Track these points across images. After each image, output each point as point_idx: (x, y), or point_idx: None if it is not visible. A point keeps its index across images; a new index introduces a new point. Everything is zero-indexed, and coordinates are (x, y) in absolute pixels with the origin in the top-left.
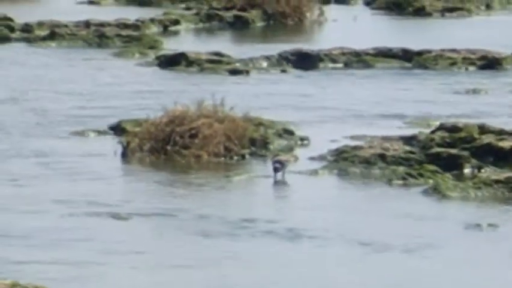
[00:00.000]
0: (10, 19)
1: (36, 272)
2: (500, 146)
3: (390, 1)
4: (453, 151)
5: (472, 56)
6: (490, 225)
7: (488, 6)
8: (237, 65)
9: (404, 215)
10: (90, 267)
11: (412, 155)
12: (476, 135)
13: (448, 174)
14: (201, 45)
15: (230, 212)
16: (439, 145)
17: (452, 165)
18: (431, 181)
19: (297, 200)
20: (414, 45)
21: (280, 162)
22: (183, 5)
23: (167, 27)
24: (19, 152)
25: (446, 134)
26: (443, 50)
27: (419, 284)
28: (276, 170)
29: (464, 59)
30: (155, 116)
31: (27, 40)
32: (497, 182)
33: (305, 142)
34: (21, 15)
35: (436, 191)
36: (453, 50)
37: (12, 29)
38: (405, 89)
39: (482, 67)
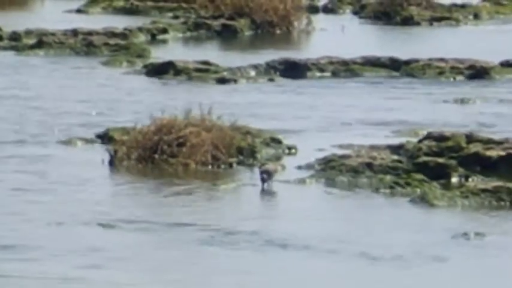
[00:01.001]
0: None
1: (16, 280)
2: (488, 155)
3: (378, 10)
4: (440, 160)
5: (460, 66)
6: (477, 234)
7: (476, 16)
8: (225, 73)
9: (391, 224)
10: (77, 276)
11: (399, 164)
12: (463, 145)
13: (435, 183)
14: (189, 54)
15: (217, 221)
16: (426, 154)
17: (439, 174)
18: (418, 190)
19: (284, 209)
20: (402, 55)
21: (267, 172)
22: (170, 14)
23: (155, 36)
24: (5, 160)
25: (433, 143)
26: (431, 59)
27: None
28: (263, 180)
29: (452, 68)
30: (143, 124)
31: (15, 48)
32: (484, 191)
33: (292, 151)
34: (9, 24)
35: (423, 200)
36: (441, 59)
37: (0, 38)
38: (393, 98)
39: (470, 76)
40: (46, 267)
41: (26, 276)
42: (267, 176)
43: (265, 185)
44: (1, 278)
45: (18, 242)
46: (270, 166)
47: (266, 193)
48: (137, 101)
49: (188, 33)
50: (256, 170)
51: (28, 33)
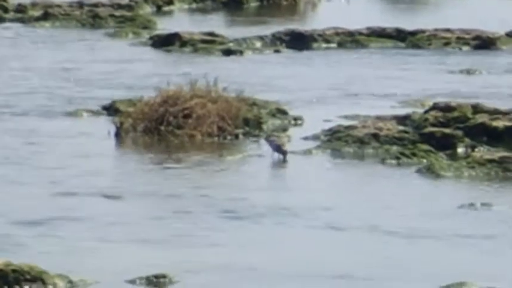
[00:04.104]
0: (4, 0)
1: (26, 251)
2: (494, 125)
3: None
4: (447, 131)
5: (466, 36)
6: (483, 204)
7: None
8: (231, 45)
9: (397, 194)
10: (82, 246)
11: (405, 135)
12: (469, 115)
13: (441, 154)
14: (194, 26)
15: (223, 192)
16: (432, 125)
17: (445, 144)
18: (424, 160)
19: (291, 180)
20: (408, 25)
21: (282, 146)
22: None
23: (161, 7)
24: (12, 131)
25: (439, 114)
26: (437, 30)
27: (412, 264)
28: (284, 153)
29: (458, 38)
30: (149, 96)
31: (21, 20)
32: (490, 161)
33: (298, 122)
34: None
35: (429, 171)
36: (447, 30)
37: (5, 10)
38: (399, 69)
39: (476, 47)
40: (52, 239)
41: (29, 241)
42: (285, 149)
43: (286, 156)
44: (7, 243)
45: (22, 210)
46: (279, 140)
47: (273, 164)
48: (143, 72)
49: (194, 5)
50: (265, 143)
51: (34, 5)
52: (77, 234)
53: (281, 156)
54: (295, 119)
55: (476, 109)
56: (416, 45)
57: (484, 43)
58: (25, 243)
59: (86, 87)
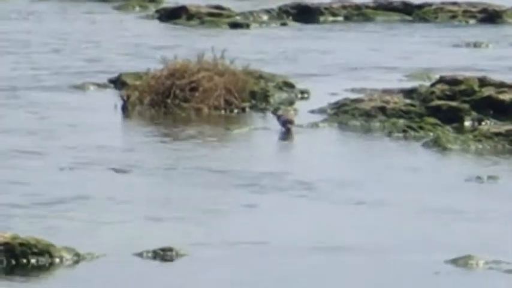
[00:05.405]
0: None
1: (33, 225)
2: (501, 98)
3: None
4: (453, 104)
5: (473, 9)
6: (490, 177)
7: None
8: (238, 18)
9: (404, 167)
10: (89, 220)
11: (412, 108)
12: (476, 88)
13: (448, 127)
14: None
15: (230, 165)
16: (439, 98)
17: (452, 118)
18: (431, 134)
19: (298, 154)
20: None
21: (290, 122)
22: None
23: None
24: (19, 105)
25: (446, 87)
26: (443, 3)
27: (419, 237)
28: (288, 130)
29: (464, 12)
30: (155, 69)
31: None
32: (497, 134)
33: (305, 95)
34: None
35: (436, 144)
36: (453, 3)
37: None
38: (405, 42)
39: (483, 20)
40: (60, 214)
41: (38, 215)
42: (291, 125)
43: (289, 133)
44: (15, 218)
45: (29, 185)
46: (288, 115)
47: (280, 137)
48: (150, 46)
49: None
50: (272, 116)
51: None
52: (84, 209)
53: (289, 125)
54: (302, 92)
55: (483, 82)
56: (423, 19)
57: (491, 16)
58: (34, 219)
59: (93, 60)
